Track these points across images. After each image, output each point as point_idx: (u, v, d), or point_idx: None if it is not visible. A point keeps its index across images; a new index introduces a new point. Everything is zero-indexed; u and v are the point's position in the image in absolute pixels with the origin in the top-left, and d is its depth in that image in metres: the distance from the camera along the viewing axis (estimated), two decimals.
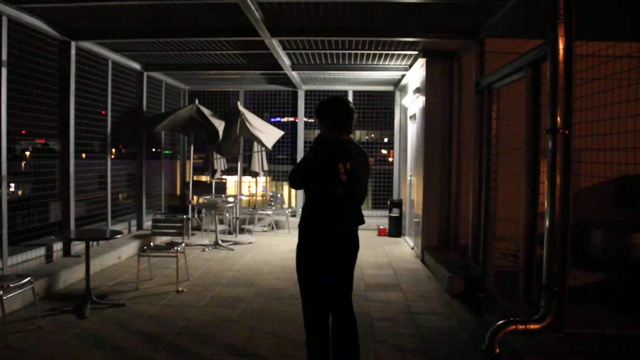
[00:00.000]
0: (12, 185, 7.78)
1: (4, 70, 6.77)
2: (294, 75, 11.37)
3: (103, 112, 9.49)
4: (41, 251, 7.60)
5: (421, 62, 9.31)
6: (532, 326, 4.44)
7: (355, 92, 13.35)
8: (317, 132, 13.82)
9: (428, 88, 9.17)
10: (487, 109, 6.95)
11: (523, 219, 5.45)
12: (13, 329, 5.44)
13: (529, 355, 4.31)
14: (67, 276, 7.26)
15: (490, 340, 4.33)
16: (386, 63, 10.40)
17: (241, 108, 10.58)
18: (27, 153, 8.64)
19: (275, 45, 8.56)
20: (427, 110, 9.20)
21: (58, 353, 4.94)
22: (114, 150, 9.85)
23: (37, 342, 5.20)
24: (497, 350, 4.31)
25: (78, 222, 8.49)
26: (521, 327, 4.42)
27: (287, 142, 13.42)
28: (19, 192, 9.82)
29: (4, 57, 6.74)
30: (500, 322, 4.41)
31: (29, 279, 5.52)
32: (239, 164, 11.51)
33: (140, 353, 4.95)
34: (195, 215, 12.01)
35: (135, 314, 6.13)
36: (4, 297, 5.22)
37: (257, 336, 5.42)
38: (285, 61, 9.95)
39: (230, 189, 13.71)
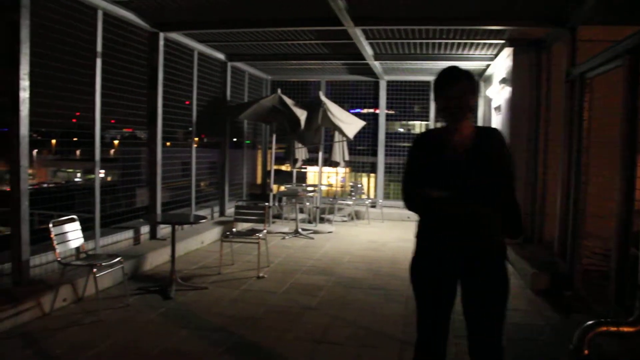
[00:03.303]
0: (102, 171, 8.11)
1: (99, 62, 7.07)
2: (376, 65, 11.28)
3: (187, 102, 9.74)
4: (130, 234, 7.93)
5: (507, 51, 9.00)
6: (626, 329, 4.18)
7: None
8: (398, 123, 13.82)
9: (515, 78, 8.85)
10: (578, 99, 6.62)
11: (616, 216, 5.17)
12: (104, 305, 5.70)
13: (620, 359, 4.09)
14: (153, 258, 7.54)
15: (578, 341, 4.12)
16: (470, 53, 10.12)
17: (323, 98, 10.59)
18: (116, 141, 9.01)
19: (358, 34, 8.50)
20: (513, 101, 8.89)
21: (145, 330, 5.15)
22: (197, 139, 10.10)
23: (126, 318, 5.45)
24: (586, 352, 4.09)
25: (163, 208, 8.77)
26: (613, 329, 4.17)
27: (367, 134, 13.34)
28: (108, 178, 10.25)
29: (99, 48, 7.05)
30: (590, 322, 4.18)
31: (119, 258, 5.78)
32: (320, 153, 11.55)
33: (221, 335, 5.07)
34: (276, 204, 12.16)
35: (217, 297, 6.28)
36: (97, 275, 5.47)
37: (336, 324, 5.43)
38: (368, 51, 9.88)
39: (311, 178, 13.81)
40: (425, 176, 3.06)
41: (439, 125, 3.18)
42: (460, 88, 2.94)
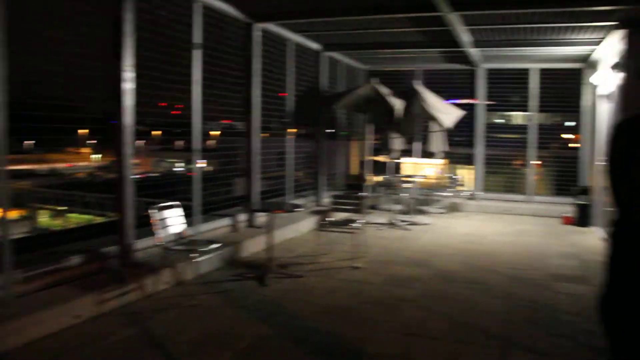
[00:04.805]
0: (203, 161, 8.32)
1: (199, 53, 7.24)
2: (474, 52, 10.89)
3: (280, 93, 9.81)
4: (228, 221, 8.11)
5: (618, 34, 8.40)
6: None
7: (537, 71, 12.43)
8: (495, 114, 13.27)
9: (628, 63, 8.25)
10: None
11: None
12: (202, 290, 5.86)
13: None
14: (250, 245, 7.67)
15: None
16: (574, 37, 9.49)
17: (419, 87, 10.36)
18: (214, 132, 9.21)
19: (455, 20, 8.21)
20: (626, 89, 8.28)
21: (240, 316, 5.23)
22: (293, 129, 10.15)
23: (222, 303, 5.58)
24: None
25: (260, 197, 8.88)
26: None
27: (463, 125, 12.84)
28: (208, 168, 10.53)
29: (199, 39, 7.21)
30: None
31: (219, 245, 5.89)
32: (416, 144, 11.32)
33: (316, 323, 5.06)
34: (372, 194, 12.06)
35: (313, 286, 6.28)
36: (196, 260, 5.61)
37: (433, 318, 5.28)
38: (465, 38, 9.54)
39: (407, 169, 13.58)
40: None
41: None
42: None
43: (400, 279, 6.67)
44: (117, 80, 5.88)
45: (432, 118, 10.40)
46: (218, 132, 9.32)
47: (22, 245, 5.23)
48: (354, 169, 13.82)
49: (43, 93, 5.74)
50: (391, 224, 10.24)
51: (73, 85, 5.96)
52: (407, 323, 5.12)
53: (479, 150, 12.86)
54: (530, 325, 5.09)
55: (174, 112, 8.09)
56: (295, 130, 10.38)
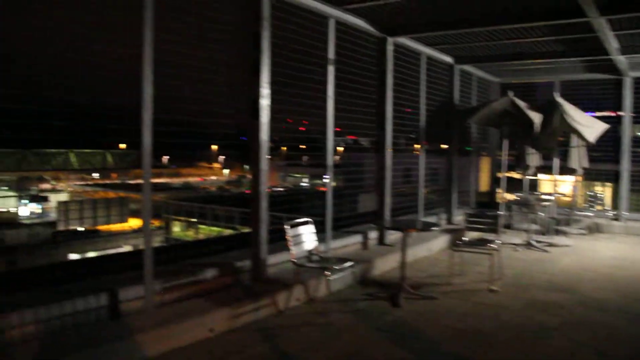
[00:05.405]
0: (327, 177, 8.32)
1: (332, 69, 7.24)
2: (622, 60, 10.07)
3: (407, 109, 9.60)
4: (358, 238, 8.00)
5: None
6: None
7: None
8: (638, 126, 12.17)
9: None
10: None
11: None
12: (334, 308, 5.78)
13: None
14: (381, 264, 7.50)
15: None
16: None
17: (559, 99, 9.75)
18: (339, 149, 9.18)
19: (603, 25, 7.61)
20: None
21: (373, 338, 5.10)
22: (421, 145, 9.92)
23: (355, 324, 5.46)
24: None
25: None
26: None
27: (604, 139, 11.86)
28: (333, 184, 10.53)
29: (332, 55, 7.21)
30: None
31: (352, 263, 5.79)
32: (554, 160, 10.67)
33: (453, 348, 4.82)
34: (506, 213, 11.49)
35: (447, 308, 6.00)
36: (329, 278, 5.54)
37: (583, 352, 4.82)
38: (613, 44, 8.83)
39: (544, 186, 12.84)
40: None
41: None
42: None
43: (541, 304, 6.19)
44: (254, 96, 5.97)
45: (574, 132, 9.72)
46: (342, 148, 9.31)
47: (158, 255, 5.41)
48: (484, 186, 13.29)
49: (177, 110, 5.94)
50: (527, 245, 9.66)
51: (206, 102, 6.14)
52: (554, 355, 4.72)
53: (624, 166, 11.85)
54: None
55: (301, 128, 8.16)
56: (419, 145, 10.12)
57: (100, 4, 5.05)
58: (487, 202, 12.35)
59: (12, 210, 36.73)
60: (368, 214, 8.66)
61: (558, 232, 11.02)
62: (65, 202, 33.57)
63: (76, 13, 4.77)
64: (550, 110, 9.64)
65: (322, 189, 7.42)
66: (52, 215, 33.64)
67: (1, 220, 33.11)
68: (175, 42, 5.61)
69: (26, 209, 37.58)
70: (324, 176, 7.34)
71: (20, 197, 37.93)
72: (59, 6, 4.61)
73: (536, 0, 6.96)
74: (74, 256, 27.32)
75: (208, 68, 5.92)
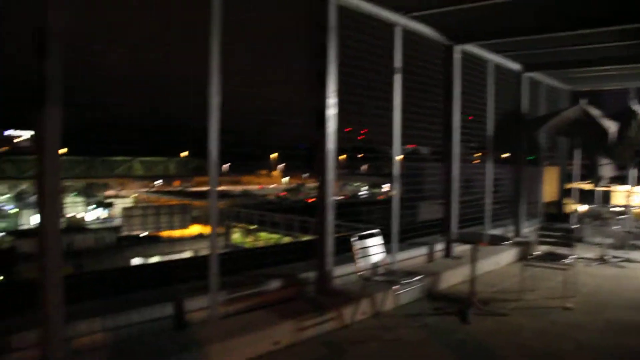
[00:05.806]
0: (386, 186, 8.19)
1: (399, 77, 7.11)
2: None
3: (469, 117, 9.34)
4: (424, 250, 7.81)
5: None
6: None
7: None
8: None
9: None
10: None
11: None
12: (402, 323, 5.64)
13: None
14: (448, 277, 7.30)
15: None
16: None
17: (636, 107, 9.30)
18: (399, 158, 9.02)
19: None
20: None
21: (443, 356, 4.92)
22: (488, 154, 9.64)
23: (424, 340, 5.31)
24: None
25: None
26: None
27: None
28: (393, 193, 10.40)
29: (399, 64, 7.09)
30: None
31: (420, 277, 5.62)
32: (629, 170, 10.18)
33: None
34: (577, 226, 11.01)
35: (519, 326, 5.75)
36: (397, 293, 5.40)
37: None
38: None
39: (618, 198, 12.27)
40: None
41: None
42: None
43: (622, 324, 5.86)
44: (321, 106, 5.91)
45: None
46: (401, 157, 9.14)
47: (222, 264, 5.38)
48: (551, 197, 12.79)
49: (237, 117, 5.92)
50: (602, 260, 9.21)
51: (267, 112, 6.11)
52: None
53: None
54: None
55: (359, 137, 8.06)
56: (485, 154, 9.83)
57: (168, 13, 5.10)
58: (555, 214, 11.88)
59: (80, 215, 37.96)
60: (429, 224, 8.42)
61: (635, 247, 10.48)
62: (129, 208, 34.41)
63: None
64: (626, 118, 9.22)
65: (383, 197, 7.30)
66: (117, 221, 34.54)
67: (70, 225, 34.16)
68: (241, 54, 5.62)
69: (93, 214, 38.81)
70: (383, 186, 7.21)
71: (87, 203, 39.22)
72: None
73: (609, 4, 6.62)
74: (137, 261, 27.95)
75: (274, 79, 5.90)
